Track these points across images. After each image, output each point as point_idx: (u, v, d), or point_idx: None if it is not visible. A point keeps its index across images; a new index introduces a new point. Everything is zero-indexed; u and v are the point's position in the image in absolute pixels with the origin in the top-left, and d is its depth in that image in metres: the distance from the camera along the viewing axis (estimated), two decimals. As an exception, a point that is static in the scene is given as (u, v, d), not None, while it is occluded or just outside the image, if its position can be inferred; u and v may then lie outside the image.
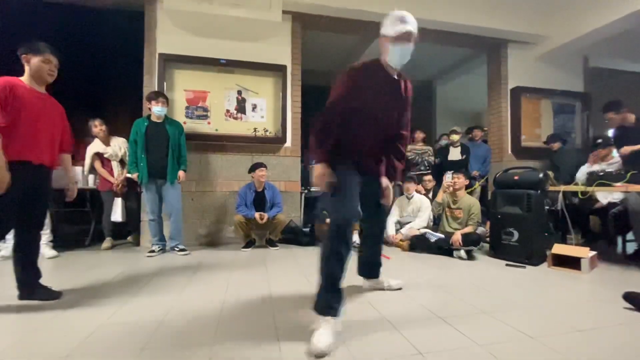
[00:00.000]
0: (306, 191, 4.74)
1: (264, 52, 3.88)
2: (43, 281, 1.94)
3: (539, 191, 2.95)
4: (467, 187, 3.51)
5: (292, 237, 3.78)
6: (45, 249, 3.03)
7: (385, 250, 3.43)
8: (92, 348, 1.34)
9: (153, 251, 3.14)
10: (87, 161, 3.54)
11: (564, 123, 4.93)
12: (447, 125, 4.89)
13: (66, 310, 1.73)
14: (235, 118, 3.85)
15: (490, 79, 4.98)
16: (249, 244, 3.50)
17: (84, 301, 1.87)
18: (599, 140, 3.59)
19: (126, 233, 3.84)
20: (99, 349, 1.33)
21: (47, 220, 3.09)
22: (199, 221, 3.73)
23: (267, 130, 3.92)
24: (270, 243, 3.56)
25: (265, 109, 3.93)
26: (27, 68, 1.83)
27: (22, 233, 1.87)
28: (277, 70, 3.90)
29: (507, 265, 2.82)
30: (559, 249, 2.73)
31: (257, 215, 3.39)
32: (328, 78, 6.90)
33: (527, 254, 2.84)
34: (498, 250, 3.06)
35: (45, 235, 3.05)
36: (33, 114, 1.79)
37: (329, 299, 1.46)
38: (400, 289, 2.10)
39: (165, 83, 3.61)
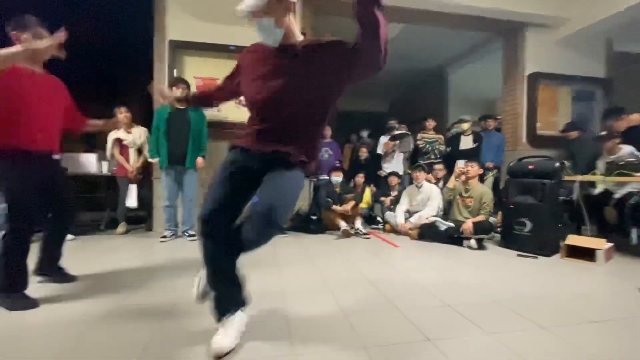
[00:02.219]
0: (315, 179, 4.74)
1: (274, 38, 3.81)
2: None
3: (554, 181, 2.87)
4: (480, 177, 3.44)
5: (301, 224, 3.80)
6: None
7: (394, 238, 3.44)
8: (105, 329, 1.38)
9: (165, 236, 3.21)
10: (108, 146, 3.64)
11: (584, 111, 4.75)
12: (460, 113, 4.77)
13: (82, 292, 1.79)
14: (245, 105, 3.82)
15: (506, 64, 4.81)
16: (259, 231, 3.53)
17: (99, 284, 1.92)
18: (602, 133, 3.48)
19: (138, 220, 3.92)
20: (112, 331, 1.37)
21: None
22: (209, 208, 3.77)
23: (276, 118, 3.89)
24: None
25: (275, 96, 3.89)
26: None
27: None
28: (287, 56, 3.84)
29: (518, 255, 2.77)
30: (573, 239, 2.67)
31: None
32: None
33: (540, 244, 2.79)
34: (509, 240, 3.01)
35: None
36: (27, 99, 1.64)
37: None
38: None
39: (175, 70, 3.60)
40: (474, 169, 3.30)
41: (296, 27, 1.26)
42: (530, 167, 3.02)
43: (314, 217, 3.98)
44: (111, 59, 5.07)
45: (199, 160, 3.27)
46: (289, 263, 2.43)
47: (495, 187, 4.33)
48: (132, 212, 3.70)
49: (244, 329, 1.27)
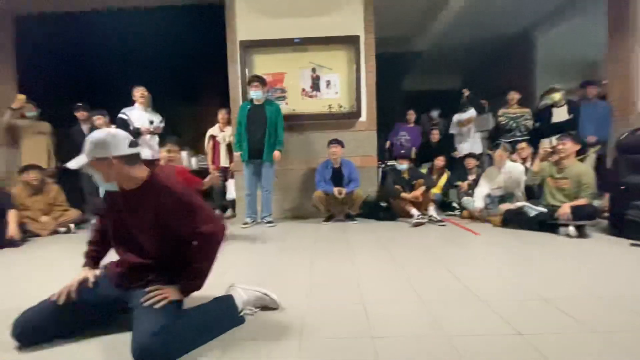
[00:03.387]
0: (383, 165, 4.66)
1: (337, 24, 3.80)
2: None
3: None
4: (578, 152, 2.95)
5: (370, 211, 3.79)
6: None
7: (473, 225, 3.21)
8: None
9: (247, 223, 3.52)
10: (206, 140, 4.20)
11: None
12: (552, 82, 4.13)
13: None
14: (311, 96, 3.93)
15: (613, 17, 3.99)
16: (329, 217, 3.64)
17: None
18: None
19: (223, 208, 4.35)
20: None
21: None
22: (282, 196, 4.00)
23: (341, 106, 3.91)
24: (350, 217, 3.64)
25: (339, 84, 3.90)
26: None
27: None
28: (350, 42, 3.80)
29: (632, 245, 2.34)
30: None
31: (335, 190, 3.47)
32: (403, 44, 6.46)
33: (664, 232, 2.32)
34: (621, 227, 2.56)
35: None
36: None
37: None
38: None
39: (247, 69, 3.85)
40: (567, 146, 2.81)
41: (134, 171, 1.25)
42: (649, 139, 2.50)
43: (383, 205, 3.94)
44: (191, 64, 5.61)
45: (276, 154, 3.46)
46: (362, 250, 2.46)
47: (599, 165, 3.70)
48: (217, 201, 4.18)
49: None
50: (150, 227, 1.26)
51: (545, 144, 3.06)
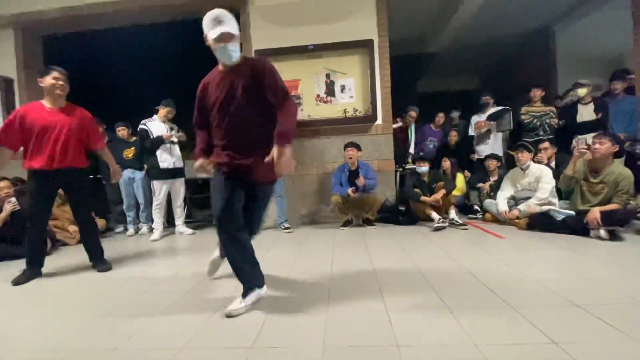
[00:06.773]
0: (401, 169, 4.59)
1: (350, 29, 3.81)
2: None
3: None
4: (615, 154, 2.70)
5: (389, 216, 3.74)
6: (184, 228, 3.76)
7: (497, 228, 3.11)
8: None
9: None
10: None
11: None
12: (574, 78, 3.96)
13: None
14: (325, 102, 3.93)
15: (638, 9, 3.82)
16: (347, 222, 3.61)
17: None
18: None
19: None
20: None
21: (181, 204, 3.81)
22: (300, 202, 4.01)
23: (356, 110, 3.90)
24: (368, 222, 3.60)
25: (354, 88, 3.89)
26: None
27: (80, 225, 2.44)
28: (363, 46, 3.80)
29: (672, 247, 2.21)
30: None
31: (349, 190, 3.43)
32: (418, 45, 6.40)
33: None
34: (657, 228, 2.42)
35: (181, 219, 3.81)
36: (42, 129, 2.15)
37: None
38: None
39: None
40: (605, 146, 2.61)
41: None
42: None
43: (402, 209, 3.87)
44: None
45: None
46: (382, 255, 2.42)
47: (630, 162, 3.52)
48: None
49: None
50: (249, 97, 1.56)
51: (582, 142, 2.79)
